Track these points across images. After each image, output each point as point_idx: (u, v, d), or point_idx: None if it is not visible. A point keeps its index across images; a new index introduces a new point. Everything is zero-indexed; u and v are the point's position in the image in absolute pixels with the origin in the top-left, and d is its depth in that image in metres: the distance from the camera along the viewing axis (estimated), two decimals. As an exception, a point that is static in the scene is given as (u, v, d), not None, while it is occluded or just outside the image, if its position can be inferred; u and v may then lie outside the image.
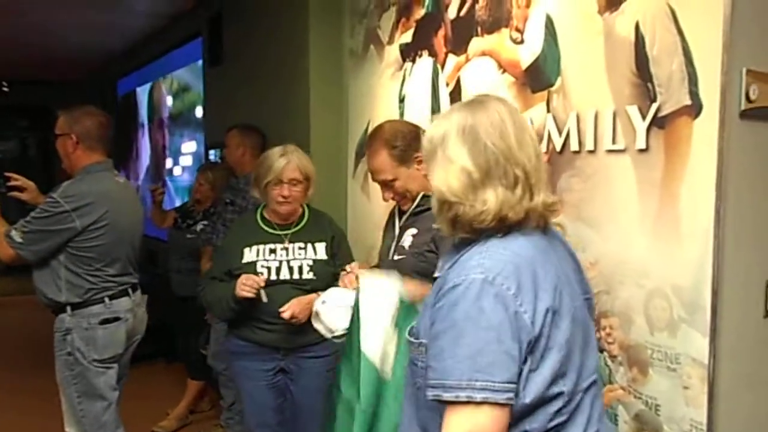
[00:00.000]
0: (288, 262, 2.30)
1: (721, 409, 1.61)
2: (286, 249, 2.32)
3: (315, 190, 3.09)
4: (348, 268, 1.98)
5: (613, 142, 1.79)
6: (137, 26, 5.39)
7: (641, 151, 1.72)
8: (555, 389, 1.11)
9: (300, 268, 2.30)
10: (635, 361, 1.76)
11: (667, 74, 1.66)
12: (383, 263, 2.04)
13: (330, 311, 1.85)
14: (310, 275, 2.30)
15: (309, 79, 3.10)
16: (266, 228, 2.35)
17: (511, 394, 1.04)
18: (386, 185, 1.96)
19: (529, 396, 1.08)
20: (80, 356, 2.34)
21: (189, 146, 5.32)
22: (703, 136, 1.58)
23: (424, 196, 1.94)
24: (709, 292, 1.58)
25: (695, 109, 1.60)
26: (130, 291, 2.48)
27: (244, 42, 3.81)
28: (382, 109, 2.84)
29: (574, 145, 1.91)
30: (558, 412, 1.11)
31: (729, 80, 1.55)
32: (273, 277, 2.26)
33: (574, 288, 1.20)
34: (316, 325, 1.92)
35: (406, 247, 1.93)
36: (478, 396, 1.03)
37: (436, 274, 1.24)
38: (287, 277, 2.28)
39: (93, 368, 2.36)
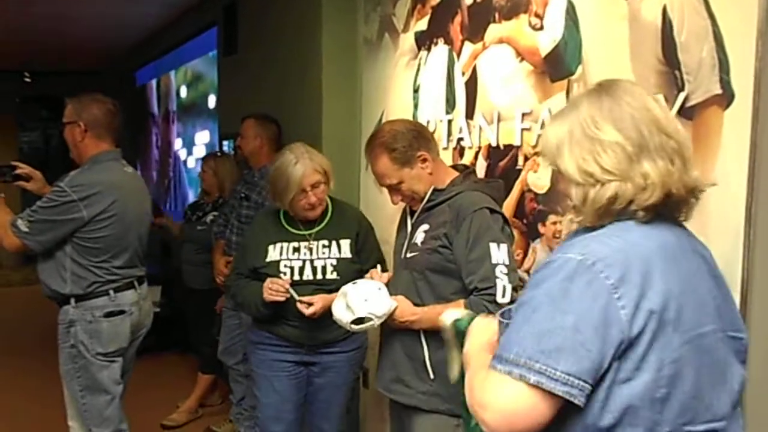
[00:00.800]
0: (312, 261, 2.23)
1: (751, 415, 1.51)
2: (310, 248, 2.24)
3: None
4: (372, 274, 1.95)
5: (637, 133, 1.69)
6: (154, 16, 5.37)
7: (667, 143, 1.62)
8: (645, 412, 0.97)
9: (324, 269, 2.23)
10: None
11: (697, 61, 1.55)
12: (397, 261, 1.98)
13: (358, 293, 1.81)
14: (334, 275, 2.22)
15: (322, 68, 3.03)
16: (290, 228, 2.27)
17: (573, 390, 0.93)
18: (393, 189, 1.90)
19: (611, 412, 0.97)
20: (83, 349, 2.30)
21: (202, 136, 5.29)
22: (735, 127, 1.48)
23: (435, 191, 1.87)
24: (738, 294, 1.48)
25: (726, 98, 1.50)
26: (135, 284, 2.44)
27: (259, 31, 3.76)
28: (396, 100, 2.76)
29: (595, 137, 1.81)
30: None
31: (764, 67, 1.44)
32: (296, 277, 2.20)
33: (706, 311, 1.05)
34: (337, 307, 1.87)
35: (419, 243, 1.87)
36: (532, 378, 0.94)
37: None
38: (311, 277, 2.22)
39: (97, 362, 2.32)
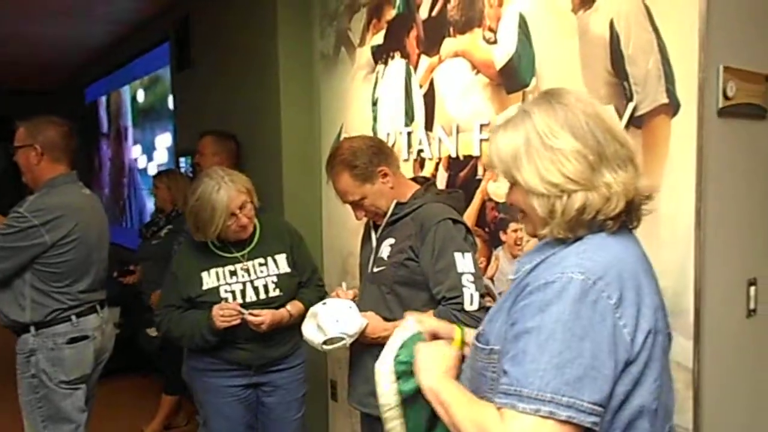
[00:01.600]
0: (252, 282, 2.19)
1: (706, 413, 1.58)
2: (246, 269, 2.20)
3: (289, 197, 3.06)
4: (338, 292, 1.94)
5: (591, 142, 1.75)
6: (104, 32, 5.26)
7: (619, 151, 1.68)
8: (644, 426, 0.97)
9: (265, 287, 2.20)
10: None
11: (644, 73, 1.63)
12: (363, 276, 2.00)
13: (329, 314, 1.80)
14: (277, 292, 2.21)
15: (279, 82, 3.03)
16: (221, 252, 2.21)
17: (598, 419, 0.91)
18: (355, 205, 1.91)
19: (614, 428, 0.96)
20: (46, 378, 2.24)
21: (163, 140, 5.15)
22: (682, 135, 1.56)
23: (397, 204, 1.89)
24: (692, 295, 1.55)
25: (673, 107, 1.57)
26: (98, 308, 2.39)
27: (213, 46, 3.73)
28: (355, 112, 2.79)
29: (551, 147, 1.87)
30: None
31: (706, 78, 1.53)
32: (239, 300, 2.16)
33: (664, 315, 1.05)
34: (307, 328, 1.86)
35: (385, 257, 1.89)
36: (563, 414, 0.89)
37: (511, 276, 1.11)
38: (254, 298, 2.18)
39: (59, 390, 2.26)
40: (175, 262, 2.27)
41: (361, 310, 1.84)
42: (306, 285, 2.32)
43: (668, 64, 1.57)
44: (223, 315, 2.08)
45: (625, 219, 1.05)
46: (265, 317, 2.11)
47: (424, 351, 1.20)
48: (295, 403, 2.35)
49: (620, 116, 1.67)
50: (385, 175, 1.88)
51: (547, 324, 0.93)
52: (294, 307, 2.22)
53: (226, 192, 2.08)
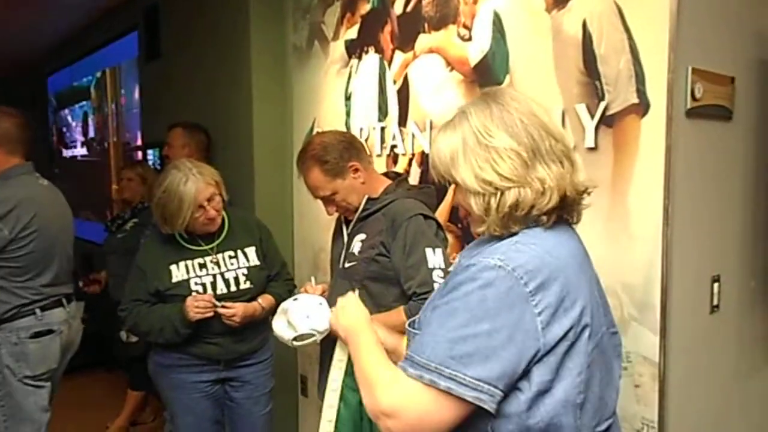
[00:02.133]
0: (222, 275, 2.18)
1: (672, 406, 1.62)
2: (216, 262, 2.19)
3: (260, 191, 3.03)
4: (307, 288, 1.92)
5: (563, 140, 1.77)
6: (69, 21, 5.13)
7: (590, 149, 1.71)
8: (568, 419, 0.99)
9: (236, 279, 2.19)
10: (587, 361, 1.75)
11: (615, 72, 1.65)
12: (335, 272, 1.99)
13: (299, 310, 1.79)
14: (248, 284, 2.20)
15: (251, 75, 3.00)
16: (189, 245, 2.18)
17: (483, 395, 0.94)
18: (327, 200, 1.91)
19: (535, 418, 0.98)
20: (9, 374, 2.18)
21: None
22: (651, 134, 1.59)
23: (369, 200, 1.89)
24: (658, 290, 1.59)
25: (643, 107, 1.60)
26: (64, 301, 2.34)
27: (184, 36, 3.67)
28: (328, 107, 2.77)
29: (523, 144, 1.88)
30: None
31: (675, 79, 1.56)
32: (210, 292, 2.14)
33: (601, 312, 1.08)
34: (278, 324, 1.84)
35: (356, 253, 1.88)
36: (442, 384, 0.94)
37: (450, 269, 1.15)
38: (224, 290, 2.17)
39: (22, 387, 2.20)
40: (140, 256, 2.23)
41: (331, 306, 1.83)
42: (275, 279, 2.32)
43: (639, 64, 1.60)
44: (197, 306, 2.06)
45: (563, 214, 1.08)
46: (237, 309, 2.10)
47: (351, 296, 1.34)
48: (263, 398, 2.34)
49: (592, 115, 1.70)
50: (356, 170, 1.88)
51: (452, 301, 0.99)
52: (265, 300, 2.21)
53: (194, 184, 2.06)
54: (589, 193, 1.10)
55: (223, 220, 2.22)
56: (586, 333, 1.01)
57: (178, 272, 2.15)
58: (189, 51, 3.60)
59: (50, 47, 6.18)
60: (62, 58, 6.19)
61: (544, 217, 1.04)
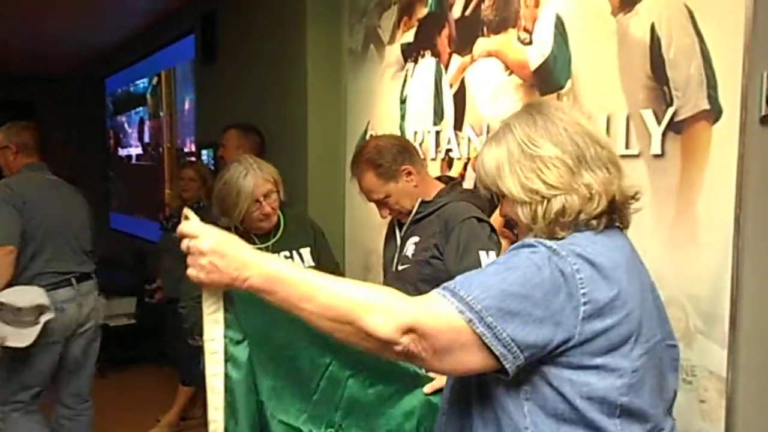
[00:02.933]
0: None
1: (739, 424, 1.56)
2: None
3: (313, 192, 3.06)
4: None
5: (627, 146, 1.74)
6: (128, 23, 5.29)
7: (656, 156, 1.67)
8: (602, 417, 1.00)
9: None
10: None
11: (685, 78, 1.61)
12: (387, 274, 1.99)
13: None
14: None
15: (307, 78, 3.03)
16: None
17: (509, 356, 0.94)
18: (380, 203, 1.93)
19: (572, 403, 0.99)
20: None
21: None
22: (723, 142, 1.54)
23: (422, 203, 1.90)
24: (727, 303, 1.53)
25: (714, 113, 1.55)
26: (73, 280, 2.69)
27: (240, 40, 3.74)
28: (382, 110, 2.78)
29: (585, 150, 1.85)
30: None
31: (749, 84, 1.50)
32: None
33: (655, 321, 1.08)
34: None
35: (410, 255, 1.89)
36: (479, 328, 0.94)
37: None
38: None
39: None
40: None
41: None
42: None
43: (711, 69, 1.56)
44: None
45: (613, 218, 1.08)
46: None
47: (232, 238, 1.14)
48: None
49: (659, 121, 1.66)
50: (409, 173, 1.89)
51: (512, 259, 1.00)
52: None
53: (253, 178, 2.09)
54: (637, 199, 1.10)
55: (278, 220, 2.24)
56: (632, 337, 1.00)
57: None
58: (245, 55, 3.67)
59: (108, 50, 6.39)
60: (120, 60, 6.39)
61: (594, 222, 1.05)
